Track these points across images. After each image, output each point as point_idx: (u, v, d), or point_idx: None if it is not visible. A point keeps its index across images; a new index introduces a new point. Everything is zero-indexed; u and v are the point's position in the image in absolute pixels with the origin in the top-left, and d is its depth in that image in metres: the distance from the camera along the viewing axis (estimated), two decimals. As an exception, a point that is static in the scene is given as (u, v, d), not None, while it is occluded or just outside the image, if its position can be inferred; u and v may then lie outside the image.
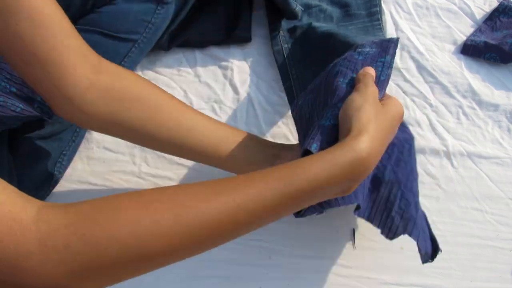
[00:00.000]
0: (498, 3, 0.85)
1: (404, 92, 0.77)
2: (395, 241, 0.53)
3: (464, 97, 0.78)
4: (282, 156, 0.59)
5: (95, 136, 0.70)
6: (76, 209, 0.36)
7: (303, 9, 0.80)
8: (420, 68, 0.79)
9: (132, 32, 0.68)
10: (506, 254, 0.68)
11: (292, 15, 0.78)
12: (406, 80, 0.78)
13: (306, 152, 0.50)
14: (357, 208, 0.52)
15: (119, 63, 0.69)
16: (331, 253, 0.65)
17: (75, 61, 0.50)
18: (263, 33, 0.81)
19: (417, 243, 0.53)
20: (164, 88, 0.75)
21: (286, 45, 0.78)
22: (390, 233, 0.54)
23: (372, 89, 0.49)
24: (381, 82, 0.54)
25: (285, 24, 0.80)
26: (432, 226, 0.68)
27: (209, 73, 0.77)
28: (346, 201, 0.51)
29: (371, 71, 0.52)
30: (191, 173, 0.69)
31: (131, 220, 0.35)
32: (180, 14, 0.74)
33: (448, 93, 0.78)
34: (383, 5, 0.83)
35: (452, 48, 0.82)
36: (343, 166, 0.42)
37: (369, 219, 0.54)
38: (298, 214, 0.54)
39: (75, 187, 0.67)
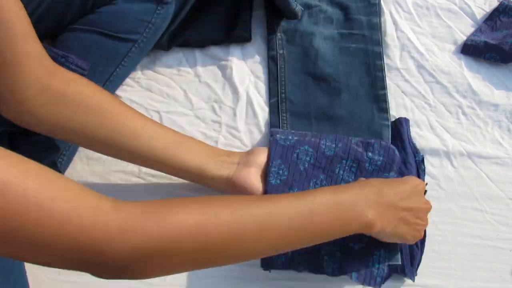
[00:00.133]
0: (498, 3, 0.85)
1: (404, 92, 0.77)
2: (394, 241, 0.54)
3: (464, 97, 0.78)
4: (228, 162, 0.62)
5: (95, 136, 0.70)
6: (148, 202, 0.41)
7: (303, 9, 0.80)
8: (420, 68, 0.79)
9: (132, 32, 0.68)
10: (506, 254, 0.68)
11: (292, 15, 0.78)
12: (405, 80, 0.78)
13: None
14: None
15: (119, 63, 0.69)
16: (331, 253, 0.65)
17: (31, 65, 0.51)
18: (262, 33, 0.81)
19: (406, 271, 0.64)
20: (164, 88, 0.75)
21: (281, 51, 0.78)
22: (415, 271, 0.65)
23: None
24: None
25: (285, 24, 0.80)
26: (432, 226, 0.68)
27: (209, 72, 0.77)
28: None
29: None
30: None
31: (196, 211, 0.41)
32: (180, 14, 0.74)
33: (448, 93, 0.78)
34: (383, 5, 0.83)
35: (452, 48, 0.82)
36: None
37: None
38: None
39: (75, 187, 0.67)
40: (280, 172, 0.65)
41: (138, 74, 0.76)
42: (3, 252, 0.36)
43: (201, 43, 0.79)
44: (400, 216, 0.54)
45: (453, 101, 0.77)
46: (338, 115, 0.73)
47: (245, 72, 0.77)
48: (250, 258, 0.47)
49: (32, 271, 0.60)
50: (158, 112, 0.73)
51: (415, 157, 0.70)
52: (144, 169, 0.69)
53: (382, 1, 0.83)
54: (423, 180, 0.69)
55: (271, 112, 0.74)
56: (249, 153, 0.64)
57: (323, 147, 0.66)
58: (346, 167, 0.65)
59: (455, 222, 0.69)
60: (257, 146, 0.72)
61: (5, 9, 0.48)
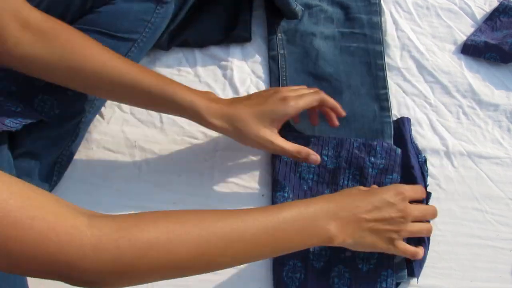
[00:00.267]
0: (498, 3, 0.85)
1: (404, 92, 0.77)
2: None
3: (464, 97, 0.78)
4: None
5: (95, 136, 0.70)
6: (122, 218, 0.44)
7: (303, 9, 0.80)
8: (420, 67, 0.79)
9: (131, 32, 0.68)
10: (506, 254, 0.68)
11: (292, 15, 0.78)
12: (406, 79, 0.78)
13: None
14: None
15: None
16: (331, 253, 0.65)
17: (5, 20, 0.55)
18: (263, 33, 0.80)
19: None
20: (164, 88, 0.75)
21: (282, 51, 0.78)
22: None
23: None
24: None
25: (285, 24, 0.80)
26: (432, 226, 0.68)
27: (209, 72, 0.77)
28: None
29: None
30: (191, 173, 0.69)
31: (167, 229, 0.44)
32: (180, 14, 0.74)
33: (448, 93, 0.78)
34: (383, 4, 0.83)
35: (452, 48, 0.82)
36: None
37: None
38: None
39: (75, 187, 0.67)
40: (286, 195, 0.66)
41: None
42: None
43: (201, 43, 0.78)
44: (367, 227, 0.55)
45: (454, 101, 0.77)
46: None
47: (246, 72, 0.77)
48: (215, 270, 0.50)
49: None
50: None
51: (418, 158, 0.70)
52: (144, 169, 0.69)
53: (382, 1, 0.83)
54: (426, 182, 0.69)
55: None
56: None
57: (326, 159, 0.68)
58: (350, 176, 0.67)
59: (455, 222, 0.69)
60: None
61: None
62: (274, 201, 0.66)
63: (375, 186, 0.63)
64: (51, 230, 0.39)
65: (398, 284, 0.64)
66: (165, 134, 0.72)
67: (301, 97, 0.62)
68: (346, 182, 0.67)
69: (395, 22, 0.82)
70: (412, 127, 0.74)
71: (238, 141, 0.63)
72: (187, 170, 0.69)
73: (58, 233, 0.39)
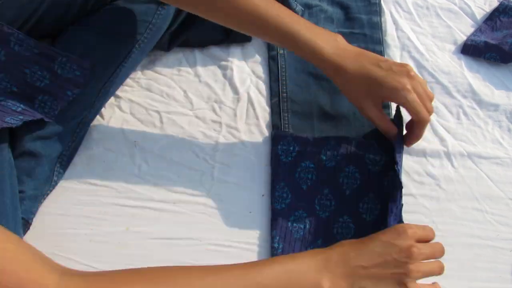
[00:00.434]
0: (498, 3, 0.85)
1: (404, 92, 0.77)
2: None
3: (464, 97, 0.78)
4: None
5: (95, 136, 0.70)
6: (94, 278, 0.42)
7: (303, 9, 0.80)
8: (420, 68, 0.79)
9: (132, 33, 0.68)
10: (506, 254, 0.68)
11: (292, 15, 0.78)
12: (406, 80, 0.78)
13: None
14: None
15: (120, 64, 0.69)
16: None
17: None
18: (263, 33, 0.81)
19: None
20: (164, 88, 0.75)
21: (282, 51, 0.78)
22: None
23: None
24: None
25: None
26: (432, 227, 0.68)
27: (209, 73, 0.77)
28: None
29: None
30: (191, 173, 0.69)
31: None
32: (181, 14, 0.74)
33: (448, 93, 0.78)
34: (383, 4, 0.83)
35: (452, 48, 0.82)
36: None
37: None
38: None
39: (75, 187, 0.67)
40: (284, 195, 0.66)
41: (138, 74, 0.76)
42: None
43: (201, 43, 0.79)
44: (366, 274, 0.50)
45: (454, 101, 0.77)
46: (340, 114, 0.73)
47: (246, 72, 0.77)
48: None
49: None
50: (158, 112, 0.73)
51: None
52: (144, 169, 0.69)
53: (382, 1, 0.83)
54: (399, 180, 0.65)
55: (272, 112, 0.74)
56: None
57: (324, 158, 0.67)
58: (350, 174, 0.67)
59: (455, 222, 0.69)
60: (257, 146, 0.72)
61: None
62: (273, 201, 0.66)
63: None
64: (18, 286, 0.38)
65: None
66: (165, 134, 0.72)
67: None
68: (346, 180, 0.67)
69: (395, 22, 0.82)
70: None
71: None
72: (187, 170, 0.69)
73: None
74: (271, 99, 0.75)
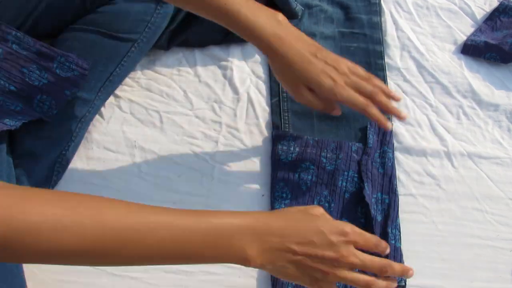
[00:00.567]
0: (498, 3, 0.85)
1: (404, 92, 0.77)
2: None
3: (464, 97, 0.78)
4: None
5: (95, 136, 0.70)
6: (9, 192, 0.40)
7: (303, 8, 0.80)
8: (420, 68, 0.79)
9: (132, 32, 0.68)
10: (506, 254, 0.68)
11: (292, 15, 0.78)
12: (406, 80, 0.78)
13: None
14: None
15: (119, 63, 0.68)
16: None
17: None
18: (263, 33, 0.80)
19: None
20: (164, 88, 0.75)
21: None
22: None
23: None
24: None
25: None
26: (432, 227, 0.68)
27: (208, 72, 0.77)
28: None
29: None
30: (191, 173, 0.69)
31: (54, 218, 0.40)
32: (180, 14, 0.74)
33: (448, 93, 0.78)
34: (383, 4, 0.83)
35: (452, 48, 0.82)
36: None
37: None
38: None
39: (75, 187, 0.67)
40: (284, 195, 0.66)
41: (138, 74, 0.76)
42: None
43: (201, 43, 0.78)
44: (293, 259, 0.48)
45: (454, 101, 0.77)
46: (340, 114, 0.73)
47: (246, 72, 0.77)
48: (111, 266, 0.47)
49: (32, 271, 0.60)
50: (158, 112, 0.73)
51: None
52: (144, 169, 0.69)
53: (382, 1, 0.83)
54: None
55: (272, 112, 0.74)
56: None
57: (324, 160, 0.68)
58: (349, 178, 0.67)
59: (455, 222, 0.69)
60: (257, 146, 0.72)
61: None
62: (272, 201, 0.66)
63: (328, 216, 0.52)
64: None
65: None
66: (165, 134, 0.72)
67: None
68: (344, 184, 0.67)
69: (395, 22, 0.82)
70: (412, 127, 0.74)
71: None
72: (187, 170, 0.69)
73: None
74: (271, 99, 0.75)
